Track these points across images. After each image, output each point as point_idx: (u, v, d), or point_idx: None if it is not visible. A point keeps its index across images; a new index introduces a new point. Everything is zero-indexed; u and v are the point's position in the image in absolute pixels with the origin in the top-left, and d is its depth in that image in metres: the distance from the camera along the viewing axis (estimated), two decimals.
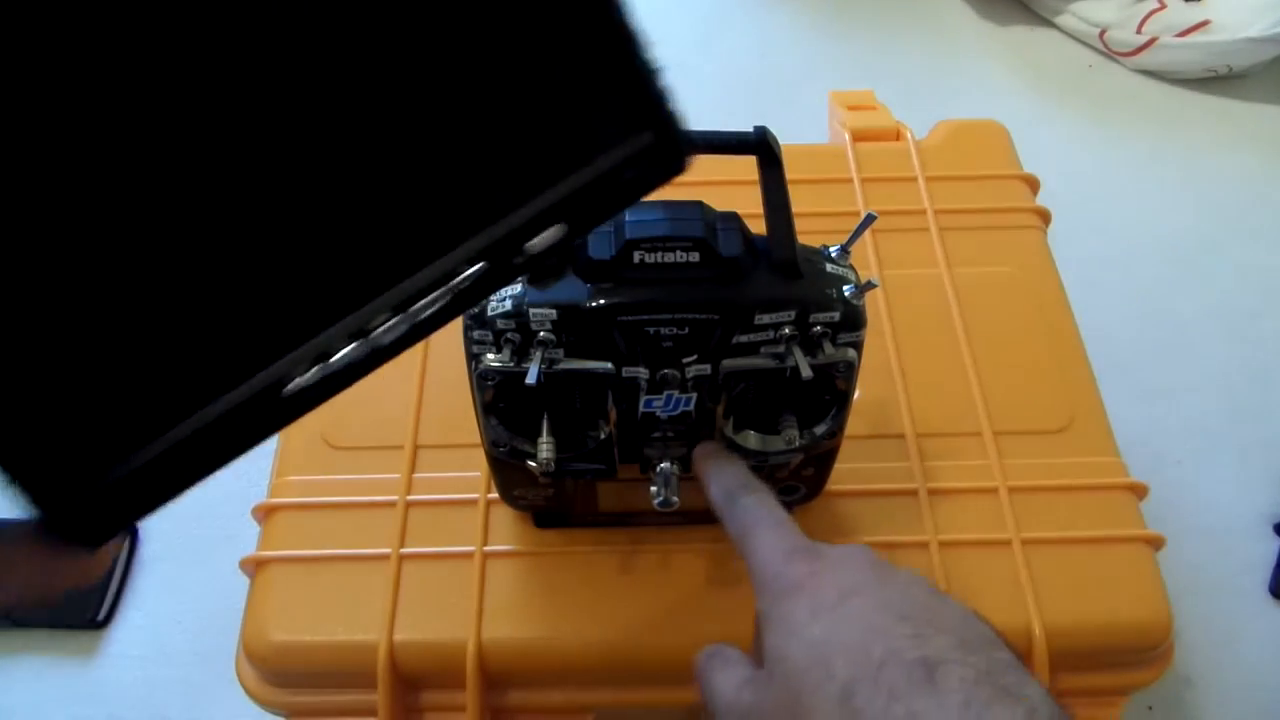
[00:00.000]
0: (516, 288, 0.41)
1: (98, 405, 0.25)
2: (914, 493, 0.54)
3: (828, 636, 0.32)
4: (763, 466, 0.47)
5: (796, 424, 0.44)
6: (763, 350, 0.42)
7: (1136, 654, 0.51)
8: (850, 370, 0.43)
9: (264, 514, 0.54)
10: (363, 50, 0.24)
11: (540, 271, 0.31)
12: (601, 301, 0.40)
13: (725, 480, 0.41)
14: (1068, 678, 0.50)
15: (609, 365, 0.42)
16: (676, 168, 0.28)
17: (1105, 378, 0.58)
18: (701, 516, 0.52)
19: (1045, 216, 0.66)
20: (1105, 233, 0.86)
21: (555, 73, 0.26)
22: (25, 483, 0.24)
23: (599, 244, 0.41)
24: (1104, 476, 0.54)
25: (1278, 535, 0.69)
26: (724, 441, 0.45)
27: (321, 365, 0.27)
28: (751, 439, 0.45)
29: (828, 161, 0.69)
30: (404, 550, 0.51)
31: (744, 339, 0.41)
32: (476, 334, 0.42)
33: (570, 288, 0.41)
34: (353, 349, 0.27)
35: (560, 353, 0.41)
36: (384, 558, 0.51)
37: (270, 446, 0.57)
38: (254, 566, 0.52)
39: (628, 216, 0.41)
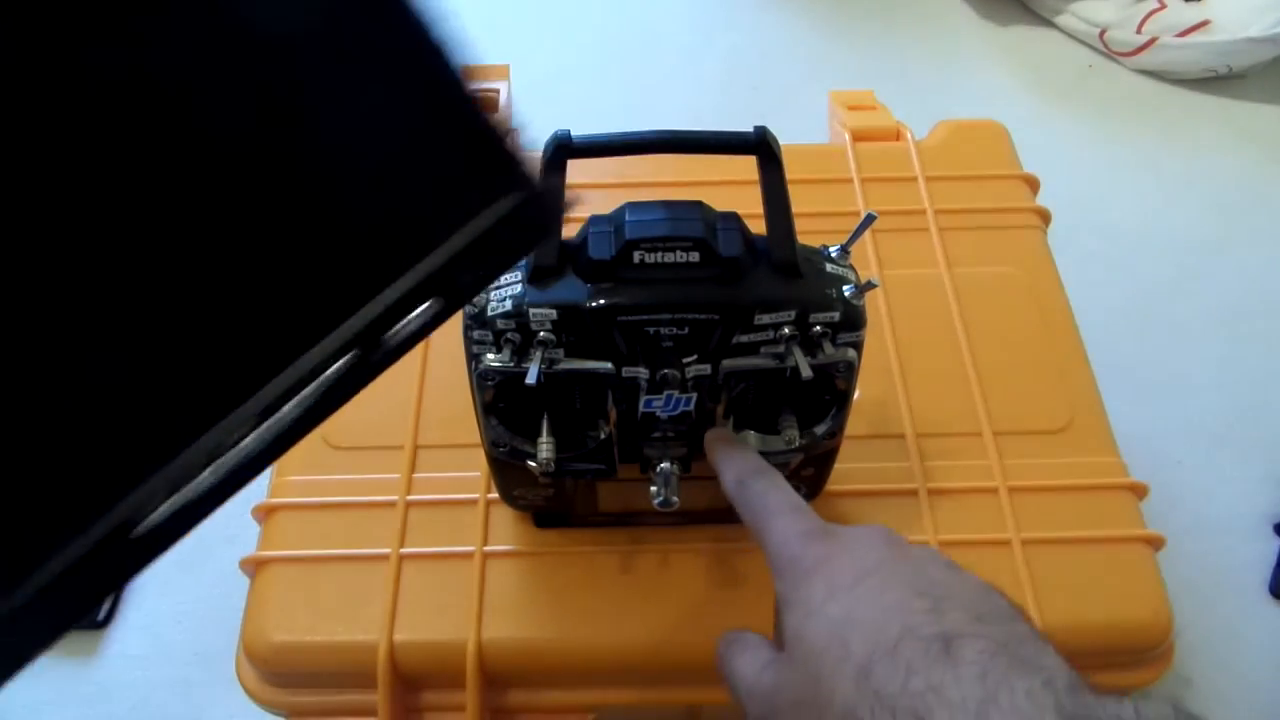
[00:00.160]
0: (517, 288, 0.41)
1: None
2: (914, 493, 0.54)
3: (845, 615, 0.33)
4: (777, 470, 0.47)
5: (796, 424, 0.44)
6: (763, 350, 0.42)
7: (1136, 654, 0.51)
8: (850, 370, 0.43)
9: (264, 514, 0.54)
10: (206, 143, 0.21)
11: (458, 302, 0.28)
12: (601, 301, 0.40)
13: (737, 466, 0.41)
14: None
15: (609, 365, 0.42)
16: (550, 223, 0.27)
17: (1105, 378, 0.58)
18: (702, 516, 0.52)
19: (1045, 216, 0.66)
20: (1105, 233, 0.86)
21: (408, 150, 0.24)
22: None
23: (599, 244, 0.41)
24: (1104, 476, 0.54)
25: (1278, 535, 0.69)
26: None
27: (178, 495, 0.23)
28: (751, 439, 0.45)
29: (828, 161, 0.69)
30: (404, 550, 0.51)
31: (744, 339, 0.41)
32: (476, 334, 0.42)
33: (570, 288, 0.41)
34: (212, 471, 0.23)
35: (560, 353, 0.41)
36: (384, 558, 0.51)
37: None
38: (254, 566, 0.52)
39: (628, 216, 0.41)
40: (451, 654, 0.49)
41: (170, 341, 0.22)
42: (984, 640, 0.30)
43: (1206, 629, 0.62)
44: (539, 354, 0.40)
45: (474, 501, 0.53)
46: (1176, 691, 0.61)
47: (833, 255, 0.43)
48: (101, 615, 0.64)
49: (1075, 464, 0.55)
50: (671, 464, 0.45)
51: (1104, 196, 0.90)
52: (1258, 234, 0.87)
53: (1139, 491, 0.54)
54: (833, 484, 0.51)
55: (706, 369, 0.42)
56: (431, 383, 0.57)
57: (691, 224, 0.40)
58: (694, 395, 0.42)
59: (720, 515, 0.52)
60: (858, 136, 0.70)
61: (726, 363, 0.42)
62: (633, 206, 0.41)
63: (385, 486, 0.54)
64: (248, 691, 0.51)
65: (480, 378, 0.42)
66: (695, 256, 0.40)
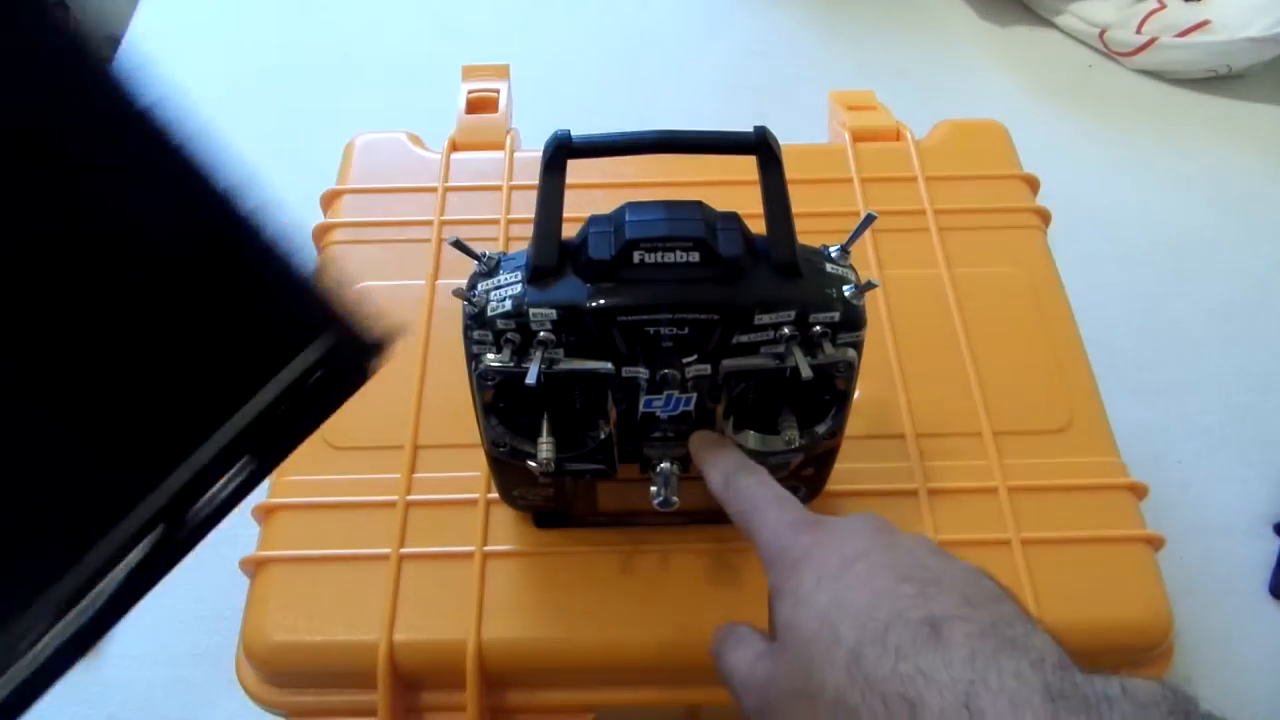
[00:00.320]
0: (517, 287, 0.41)
1: None
2: (914, 493, 0.54)
3: (834, 602, 0.33)
4: (763, 466, 0.47)
5: (796, 424, 0.44)
6: (763, 350, 0.42)
7: (1136, 654, 0.51)
8: (850, 370, 0.43)
9: (264, 514, 0.54)
10: None
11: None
12: (601, 302, 0.40)
13: (723, 465, 0.42)
14: None
15: (609, 365, 0.42)
16: (368, 362, 0.25)
17: (1105, 378, 0.58)
18: (701, 516, 0.52)
19: (1045, 216, 0.66)
20: (1105, 233, 0.86)
21: (201, 297, 0.22)
22: None
23: (599, 244, 0.41)
24: (1104, 476, 0.54)
25: (1278, 535, 0.69)
26: None
27: None
28: (751, 439, 0.45)
29: (828, 161, 0.69)
30: (404, 550, 0.51)
31: (744, 339, 0.41)
32: (476, 334, 0.42)
33: (570, 288, 0.41)
34: (4, 680, 0.21)
35: (560, 353, 0.41)
36: (384, 558, 0.51)
37: None
38: (254, 566, 0.52)
39: (628, 216, 0.41)
40: (451, 654, 0.49)
41: None
42: (972, 622, 0.30)
43: (1206, 629, 0.62)
44: (539, 354, 0.40)
45: (474, 501, 0.53)
46: None
47: (833, 255, 0.43)
48: None
49: (1075, 464, 0.55)
50: (671, 464, 0.45)
51: (1104, 196, 0.90)
52: (1258, 234, 0.87)
53: (1139, 491, 0.54)
54: (833, 484, 0.51)
55: (706, 369, 0.42)
56: (431, 383, 0.58)
57: (691, 224, 0.40)
58: (694, 395, 0.42)
59: (720, 515, 0.52)
60: (858, 136, 0.70)
61: (726, 363, 0.42)
62: (633, 206, 0.41)
63: (385, 486, 0.54)
64: (248, 691, 0.51)
65: (480, 378, 0.42)
66: (695, 256, 0.40)
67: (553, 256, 0.41)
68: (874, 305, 0.59)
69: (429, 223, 0.65)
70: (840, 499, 0.53)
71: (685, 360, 0.41)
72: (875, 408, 0.57)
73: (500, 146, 0.70)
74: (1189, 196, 0.90)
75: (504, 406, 0.44)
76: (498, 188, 0.67)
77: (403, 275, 0.62)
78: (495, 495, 0.52)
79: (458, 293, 0.42)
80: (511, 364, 0.41)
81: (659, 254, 0.40)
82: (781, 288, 0.41)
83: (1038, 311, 0.61)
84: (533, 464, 0.45)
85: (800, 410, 0.45)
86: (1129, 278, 0.84)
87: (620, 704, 0.51)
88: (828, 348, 0.42)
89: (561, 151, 0.41)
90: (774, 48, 1.02)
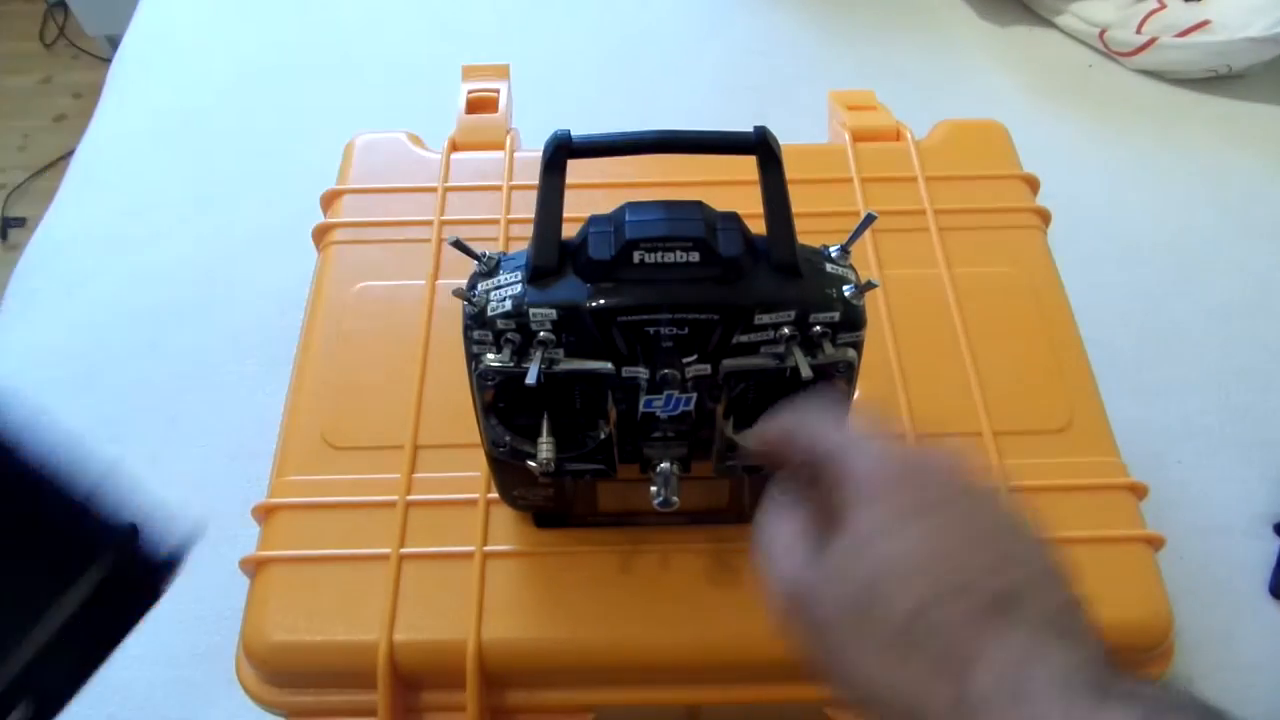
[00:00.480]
0: (517, 288, 0.41)
1: None
2: None
3: (909, 551, 0.33)
4: (763, 466, 0.47)
5: None
6: (763, 350, 0.42)
7: (1136, 654, 0.51)
8: (850, 370, 0.43)
9: (264, 514, 0.54)
10: None
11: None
12: (601, 302, 0.40)
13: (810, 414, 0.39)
14: None
15: (609, 365, 0.42)
16: (157, 584, 0.24)
17: (1105, 378, 0.58)
18: (702, 516, 0.52)
19: (1045, 216, 0.66)
20: (1105, 233, 0.86)
21: None
22: None
23: (599, 244, 0.41)
24: (1104, 476, 0.54)
25: (1278, 535, 0.69)
26: (724, 442, 0.45)
27: None
28: (751, 439, 0.45)
29: (828, 161, 0.69)
30: (404, 550, 0.51)
31: (744, 339, 0.41)
32: (476, 334, 0.42)
33: (570, 288, 0.41)
34: None
35: (560, 353, 0.41)
36: (384, 558, 0.51)
37: (270, 446, 0.57)
38: (254, 566, 0.52)
39: (628, 216, 0.41)
40: (451, 654, 0.49)
41: None
42: (1037, 606, 0.31)
43: (1206, 629, 0.62)
44: (539, 354, 0.40)
45: (474, 501, 0.53)
46: None
47: (833, 255, 0.43)
48: None
49: (1075, 464, 0.55)
50: (671, 464, 0.45)
51: (1104, 196, 0.90)
52: (1258, 234, 0.87)
53: (1139, 491, 0.54)
54: None
55: (706, 369, 0.42)
56: (431, 382, 0.57)
57: (691, 224, 0.40)
58: (694, 395, 0.42)
59: (720, 515, 0.52)
60: (858, 136, 0.70)
61: (726, 363, 0.42)
62: (633, 206, 0.41)
63: (385, 486, 0.54)
64: (248, 691, 0.51)
65: (480, 378, 0.42)
66: (695, 256, 0.40)
67: (553, 256, 0.41)
68: (874, 305, 0.59)
69: (429, 223, 0.65)
70: None
71: (685, 360, 0.41)
72: (875, 408, 0.57)
73: (500, 146, 0.70)
74: (1189, 196, 0.90)
75: (504, 406, 0.44)
76: (498, 188, 0.67)
77: (403, 275, 0.62)
78: (495, 495, 0.52)
79: (458, 293, 0.42)
80: (511, 364, 0.41)
81: (659, 254, 0.40)
82: (781, 288, 0.41)
83: (1038, 311, 0.61)
84: (533, 464, 0.45)
85: None
86: (1129, 278, 0.84)
87: (620, 704, 0.51)
88: (828, 348, 0.42)
89: (561, 151, 0.41)
90: (774, 48, 1.01)
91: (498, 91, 0.73)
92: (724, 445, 0.45)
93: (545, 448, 0.43)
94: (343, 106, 0.94)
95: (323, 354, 0.59)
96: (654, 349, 0.41)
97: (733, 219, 0.42)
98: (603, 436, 0.45)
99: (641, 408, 0.43)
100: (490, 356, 0.41)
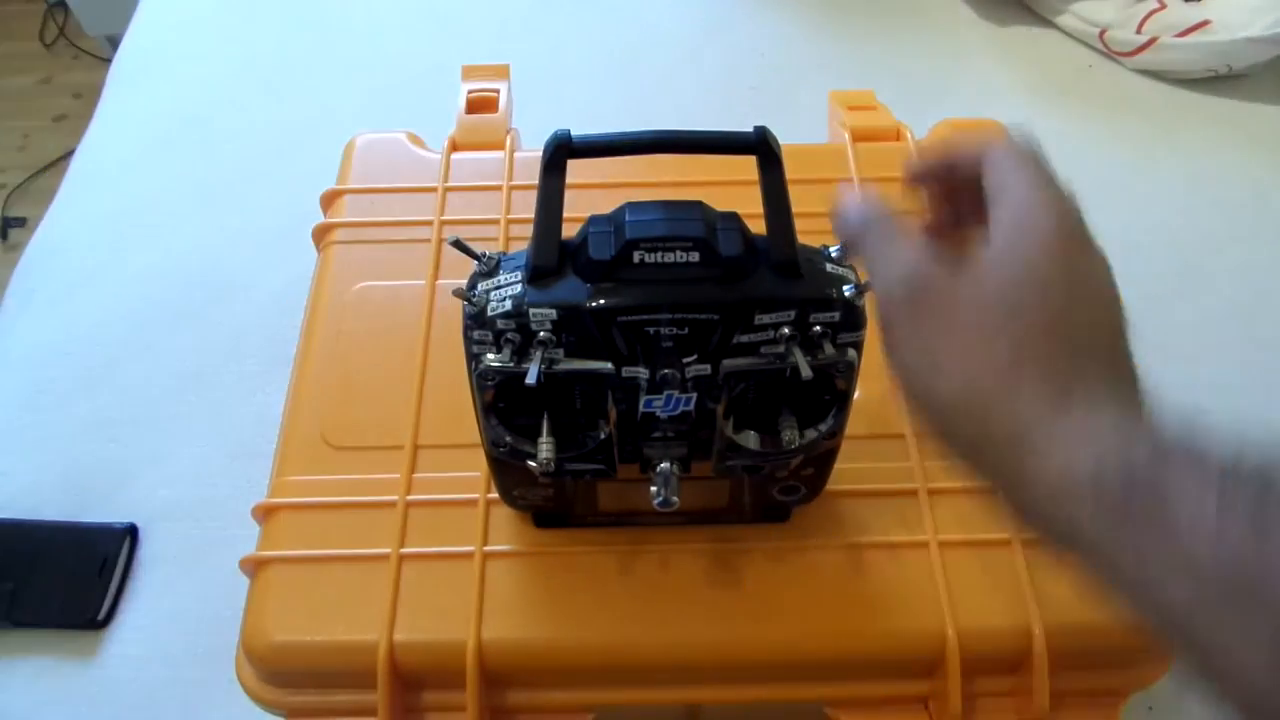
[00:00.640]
0: (517, 288, 0.41)
1: None
2: (914, 493, 0.54)
3: (1053, 279, 0.35)
4: (762, 466, 0.47)
5: (796, 424, 0.44)
6: (763, 350, 0.42)
7: (1137, 654, 0.51)
8: (850, 370, 0.43)
9: (264, 514, 0.54)
10: None
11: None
12: (602, 302, 0.40)
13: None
14: (1068, 678, 0.50)
15: (609, 365, 0.42)
16: None
17: None
18: (701, 516, 0.52)
19: None
20: (1105, 233, 0.86)
21: None
22: None
23: (599, 244, 0.41)
24: None
25: None
26: (724, 442, 0.45)
27: None
28: (751, 439, 0.45)
29: (828, 161, 0.69)
30: (404, 550, 0.51)
31: (744, 339, 0.41)
32: (476, 334, 0.42)
33: (570, 288, 0.41)
34: None
35: (560, 353, 0.41)
36: (384, 558, 0.51)
37: (270, 446, 0.57)
38: (254, 566, 0.52)
39: (628, 216, 0.41)
40: (451, 654, 0.49)
41: None
42: (1096, 405, 0.32)
43: None
44: (539, 354, 0.40)
45: (474, 502, 0.53)
46: (1177, 691, 0.61)
47: (833, 255, 0.43)
48: (101, 615, 0.64)
49: None
50: (671, 464, 0.45)
51: (1104, 196, 0.89)
52: (1258, 234, 0.87)
53: None
54: (833, 484, 0.51)
55: (706, 369, 0.42)
56: (431, 382, 0.57)
57: (692, 224, 0.40)
58: (694, 395, 0.42)
59: (720, 515, 0.52)
60: (858, 136, 0.70)
61: (727, 363, 0.42)
62: (632, 206, 0.41)
63: (385, 486, 0.54)
64: (248, 691, 0.51)
65: (480, 378, 0.42)
66: (695, 256, 0.40)
67: (553, 256, 0.41)
68: (874, 305, 0.59)
69: (429, 223, 0.65)
70: (840, 499, 0.53)
71: (685, 360, 0.41)
72: (875, 408, 0.57)
73: (500, 146, 0.70)
74: (1189, 196, 0.90)
75: (504, 406, 0.44)
76: (498, 188, 0.67)
77: (403, 275, 0.62)
78: (495, 495, 0.52)
79: (458, 293, 0.42)
80: (511, 364, 0.41)
81: (659, 254, 0.40)
82: (781, 288, 0.41)
83: None
84: (533, 464, 0.45)
85: (800, 410, 0.45)
86: (1128, 277, 0.83)
87: (620, 704, 0.51)
88: (828, 348, 0.42)
89: (561, 151, 0.41)
90: (774, 48, 1.01)
91: (498, 91, 0.73)
92: (724, 445, 0.45)
93: (545, 448, 0.43)
94: (343, 106, 0.94)
95: (323, 354, 0.59)
96: (654, 349, 0.41)
97: (733, 219, 0.42)
98: (603, 436, 0.45)
99: (641, 408, 0.43)
100: (490, 356, 0.41)
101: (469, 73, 0.75)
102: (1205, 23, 0.92)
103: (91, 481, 0.70)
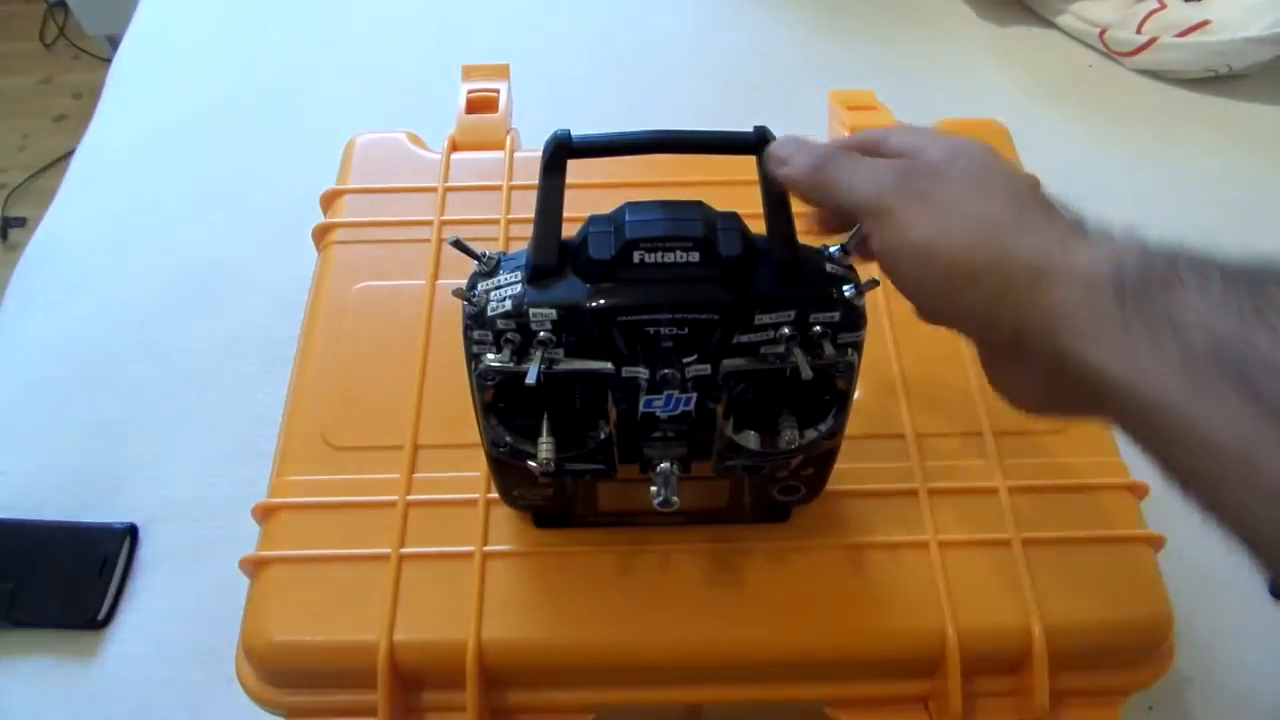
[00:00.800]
0: (517, 287, 0.41)
1: None
2: (914, 493, 0.54)
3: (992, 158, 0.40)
4: (762, 466, 0.47)
5: (796, 424, 0.44)
6: (763, 350, 0.42)
7: (1137, 654, 0.51)
8: (850, 370, 0.43)
9: (264, 514, 0.54)
10: None
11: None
12: (601, 302, 0.40)
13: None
14: (1068, 678, 0.50)
15: (609, 365, 0.42)
16: None
17: None
18: (701, 516, 0.52)
19: None
20: None
21: None
22: None
23: (599, 244, 0.41)
24: (1104, 476, 0.54)
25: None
26: (724, 442, 0.45)
27: None
28: (751, 439, 0.45)
29: None
30: (404, 550, 0.51)
31: (744, 339, 0.41)
32: (476, 334, 0.42)
33: (570, 288, 0.41)
34: None
35: (560, 353, 0.41)
36: (384, 558, 0.51)
37: (270, 446, 0.57)
38: (254, 566, 0.52)
39: (628, 216, 0.41)
40: (451, 654, 0.49)
41: None
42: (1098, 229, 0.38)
43: (1206, 629, 0.62)
44: (539, 354, 0.40)
45: (474, 502, 0.53)
46: (1177, 691, 0.61)
47: (833, 255, 0.43)
48: (101, 615, 0.64)
49: (1075, 464, 0.55)
50: (671, 464, 0.45)
51: (1104, 196, 0.89)
52: (1258, 234, 0.87)
53: (1139, 491, 0.54)
54: (833, 484, 0.51)
55: (706, 369, 0.42)
56: (431, 382, 0.57)
57: (691, 224, 0.40)
58: (694, 395, 0.42)
59: (720, 515, 0.52)
60: None
61: (726, 363, 0.42)
62: (632, 206, 0.41)
63: (385, 486, 0.54)
64: (247, 691, 0.51)
65: (480, 378, 0.42)
66: (695, 256, 0.40)
67: (553, 256, 0.41)
68: (874, 305, 0.59)
69: (429, 223, 0.65)
70: (840, 499, 0.53)
71: (685, 360, 0.41)
72: (875, 408, 0.57)
73: (500, 146, 0.70)
74: (1189, 196, 0.90)
75: (504, 406, 0.44)
76: (498, 188, 0.67)
77: (403, 275, 0.62)
78: (495, 495, 0.52)
79: (457, 293, 0.42)
80: (511, 364, 0.41)
81: (659, 254, 0.40)
82: (781, 287, 0.41)
83: None
84: (533, 464, 0.45)
85: (800, 410, 0.45)
86: None
87: (620, 704, 0.51)
88: (828, 348, 0.41)
89: (561, 151, 0.41)
90: (774, 48, 1.01)
91: (498, 91, 0.73)
92: (724, 445, 0.45)
93: (545, 447, 0.43)
94: (343, 106, 0.94)
95: (323, 354, 0.59)
96: (654, 349, 0.41)
97: (733, 219, 0.42)
98: (603, 436, 0.45)
99: (641, 408, 0.43)
100: (490, 356, 0.41)
101: (469, 73, 0.75)
102: (1205, 23, 0.92)
103: (91, 481, 0.70)
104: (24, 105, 2.08)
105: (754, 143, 0.41)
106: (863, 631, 0.50)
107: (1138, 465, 0.55)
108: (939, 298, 0.38)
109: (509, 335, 0.41)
